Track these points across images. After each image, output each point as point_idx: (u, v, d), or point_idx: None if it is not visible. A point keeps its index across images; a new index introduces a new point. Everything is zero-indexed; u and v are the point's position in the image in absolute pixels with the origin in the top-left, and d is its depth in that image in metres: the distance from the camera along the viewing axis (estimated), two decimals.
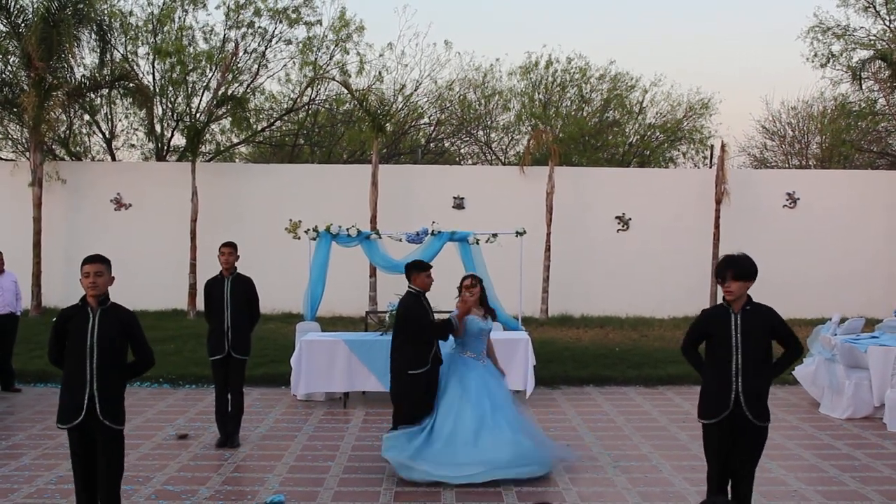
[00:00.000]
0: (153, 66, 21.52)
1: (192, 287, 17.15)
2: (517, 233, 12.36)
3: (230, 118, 21.38)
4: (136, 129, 23.22)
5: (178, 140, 22.53)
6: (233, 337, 8.46)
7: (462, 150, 28.04)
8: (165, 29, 21.21)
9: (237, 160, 26.16)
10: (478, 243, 11.83)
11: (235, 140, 23.95)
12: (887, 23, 22.19)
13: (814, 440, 8.94)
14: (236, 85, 21.62)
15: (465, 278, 7.88)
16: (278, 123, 24.18)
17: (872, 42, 22.01)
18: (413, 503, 6.79)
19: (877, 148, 25.46)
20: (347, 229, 11.72)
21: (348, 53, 22.17)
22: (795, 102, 34.31)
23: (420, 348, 7.61)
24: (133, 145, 23.82)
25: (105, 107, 22.12)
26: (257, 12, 21.37)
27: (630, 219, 18.45)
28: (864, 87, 20.69)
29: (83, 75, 18.69)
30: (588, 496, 6.94)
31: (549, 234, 17.65)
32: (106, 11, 19.80)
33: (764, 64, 43.35)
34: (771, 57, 44.55)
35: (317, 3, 22.16)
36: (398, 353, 7.66)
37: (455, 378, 7.52)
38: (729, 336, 5.57)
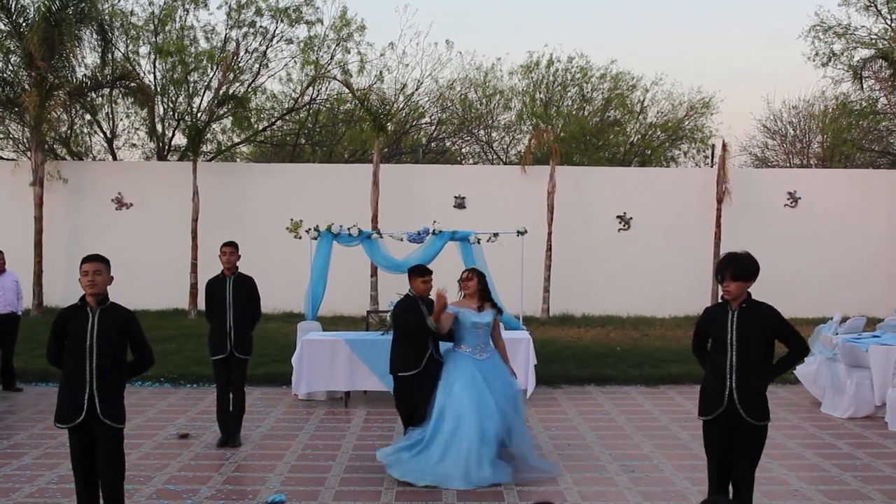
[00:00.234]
0: (154, 66, 21.56)
1: (194, 287, 17.16)
2: (518, 232, 12.35)
3: (231, 118, 21.38)
4: (138, 129, 23.29)
5: (180, 139, 22.58)
6: (235, 336, 8.46)
7: (463, 150, 28.07)
8: (167, 28, 21.24)
9: (238, 160, 26.18)
10: (479, 243, 11.82)
11: (237, 139, 23.96)
12: (888, 22, 22.17)
13: (815, 439, 8.93)
14: (237, 84, 21.64)
15: (463, 272, 7.91)
16: (279, 123, 24.20)
17: (874, 41, 22.00)
18: (414, 503, 6.78)
19: (878, 147, 25.44)
20: (349, 229, 11.71)
21: (349, 53, 22.23)
22: (797, 101, 34.41)
23: (410, 350, 7.62)
24: (134, 145, 23.89)
25: (106, 106, 22.15)
26: (258, 12, 21.39)
27: (631, 218, 18.44)
28: (865, 86, 20.67)
29: (84, 75, 18.70)
30: (589, 496, 6.94)
31: (550, 234, 17.65)
32: (107, 11, 19.82)
33: (764, 63, 43.38)
34: (771, 56, 44.61)
35: (318, 2, 22.27)
36: (391, 355, 7.76)
37: (443, 381, 7.43)
38: (725, 333, 5.54)
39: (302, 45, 21.97)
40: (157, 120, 20.94)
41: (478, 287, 7.68)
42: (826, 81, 28.57)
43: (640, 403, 10.81)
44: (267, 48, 21.93)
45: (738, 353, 5.51)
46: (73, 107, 20.11)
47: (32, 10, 17.66)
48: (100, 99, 21.24)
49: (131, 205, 18.22)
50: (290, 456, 8.16)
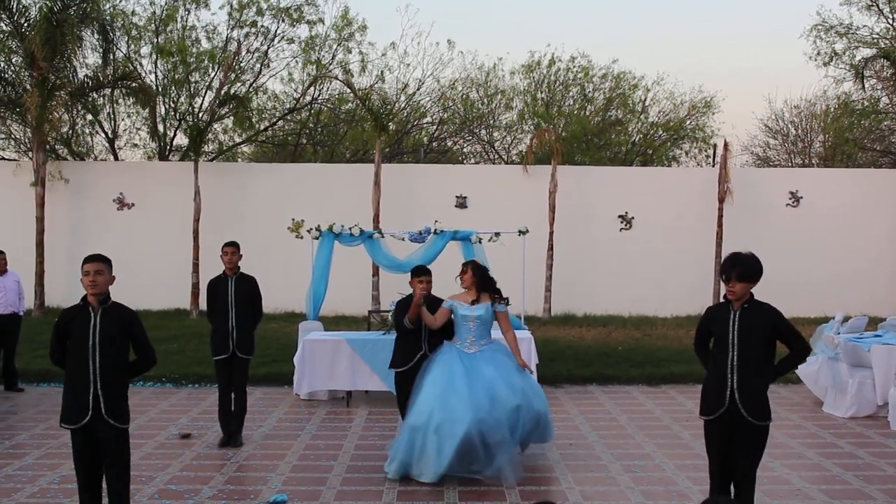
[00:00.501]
0: (156, 66, 21.57)
1: (195, 286, 17.17)
2: (520, 232, 12.35)
3: (233, 117, 21.41)
4: (139, 129, 23.32)
5: (181, 139, 22.61)
6: (237, 336, 8.47)
7: (465, 150, 28.06)
8: (168, 28, 21.25)
9: (240, 160, 26.19)
10: (480, 242, 11.82)
11: (238, 139, 23.99)
12: (890, 21, 22.16)
13: (817, 439, 8.93)
14: (239, 84, 21.66)
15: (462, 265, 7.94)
16: (281, 123, 24.21)
17: (875, 40, 21.99)
18: (416, 502, 6.78)
19: (880, 146, 25.43)
20: (350, 228, 11.71)
21: (351, 52, 22.25)
22: (798, 101, 34.31)
23: (404, 348, 7.86)
24: (136, 145, 23.90)
25: (108, 106, 22.17)
26: (260, 11, 21.39)
27: (633, 218, 18.43)
28: (866, 85, 20.68)
29: (86, 75, 18.73)
30: (591, 495, 6.93)
31: (551, 233, 17.65)
32: (109, 11, 19.83)
33: (765, 63, 43.37)
34: (772, 56, 44.58)
35: (319, 2, 22.18)
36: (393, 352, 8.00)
37: (419, 374, 7.45)
38: (726, 333, 5.54)
39: (303, 44, 22.00)
40: (158, 120, 20.97)
41: (473, 279, 7.62)
42: (828, 81, 28.48)
43: (641, 403, 10.80)
44: (268, 48, 21.96)
45: (740, 353, 5.50)
46: (75, 107, 20.13)
47: (34, 10, 17.69)
48: (101, 99, 21.27)
49: (133, 205, 18.23)
50: (291, 456, 8.16)
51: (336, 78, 21.43)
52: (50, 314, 15.80)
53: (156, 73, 21.58)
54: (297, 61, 22.42)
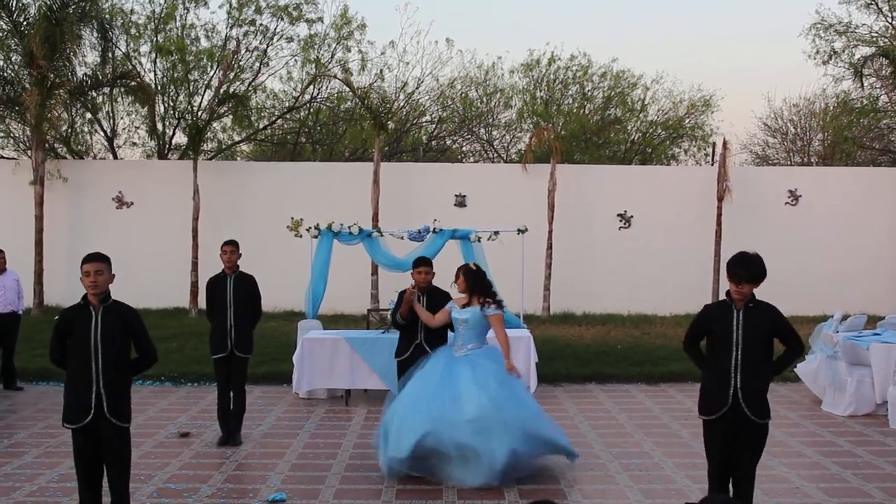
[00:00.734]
0: (155, 64, 21.55)
1: (194, 285, 17.16)
2: (519, 230, 12.35)
3: (232, 116, 21.39)
4: (138, 128, 23.30)
5: (180, 138, 22.60)
6: (236, 335, 8.47)
7: (464, 148, 28.06)
8: (167, 27, 21.23)
9: (239, 158, 26.19)
10: (479, 241, 11.83)
11: (237, 138, 23.97)
12: (889, 20, 22.14)
13: (816, 437, 8.93)
14: (238, 83, 21.63)
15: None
16: (280, 121, 24.19)
17: (874, 39, 21.98)
18: (414, 501, 6.78)
19: (879, 145, 25.42)
20: (349, 227, 11.72)
21: (350, 51, 22.22)
22: (797, 99, 34.29)
23: (402, 336, 8.11)
24: (135, 143, 23.88)
25: (107, 105, 22.15)
26: (259, 10, 21.37)
27: (632, 216, 18.44)
28: (866, 83, 20.67)
29: (85, 73, 18.73)
30: (590, 494, 6.94)
31: (550, 232, 17.65)
32: (108, 9, 19.82)
33: (764, 62, 43.35)
34: (771, 55, 44.57)
35: (318, 0, 22.17)
36: None
37: (413, 370, 7.50)
38: (730, 332, 5.55)
39: (302, 43, 21.97)
40: (157, 118, 20.94)
41: (465, 284, 7.64)
42: (827, 79, 28.60)
43: (640, 401, 10.81)
44: (267, 46, 21.94)
45: (744, 353, 5.52)
46: (74, 105, 20.12)
47: (33, 8, 17.69)
48: (100, 97, 21.25)
49: (132, 203, 18.23)
50: (290, 454, 8.16)
51: (335, 77, 21.43)
52: (49, 313, 15.80)
53: (155, 71, 21.58)
54: (296, 60, 22.43)
